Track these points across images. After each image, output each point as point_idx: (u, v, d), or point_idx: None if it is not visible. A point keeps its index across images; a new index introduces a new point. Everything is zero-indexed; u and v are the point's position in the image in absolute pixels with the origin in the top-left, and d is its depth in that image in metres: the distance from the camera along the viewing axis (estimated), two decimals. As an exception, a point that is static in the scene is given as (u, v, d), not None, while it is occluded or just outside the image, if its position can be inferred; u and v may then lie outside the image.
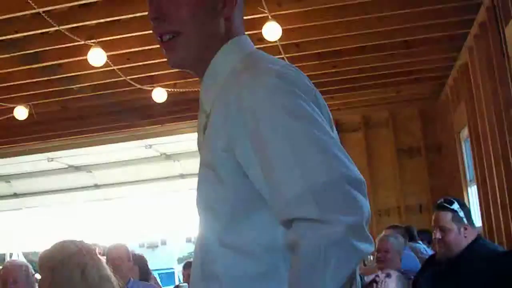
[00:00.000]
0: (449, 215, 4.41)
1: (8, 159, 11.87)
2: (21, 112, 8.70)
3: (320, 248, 1.41)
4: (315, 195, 1.44)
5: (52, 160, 12.98)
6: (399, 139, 10.46)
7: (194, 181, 1.79)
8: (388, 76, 8.88)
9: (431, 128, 10.40)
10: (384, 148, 10.48)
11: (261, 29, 6.13)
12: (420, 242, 8.09)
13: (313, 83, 1.71)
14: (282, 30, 6.32)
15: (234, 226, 1.64)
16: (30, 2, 5.67)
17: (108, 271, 3.14)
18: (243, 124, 1.57)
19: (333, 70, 8.38)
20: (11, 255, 19.55)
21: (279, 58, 1.91)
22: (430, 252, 7.05)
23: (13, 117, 8.76)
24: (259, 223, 1.62)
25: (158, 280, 9.54)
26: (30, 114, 8.79)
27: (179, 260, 32.50)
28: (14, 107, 8.64)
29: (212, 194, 1.69)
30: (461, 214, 4.43)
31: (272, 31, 6.24)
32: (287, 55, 7.28)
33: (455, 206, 4.45)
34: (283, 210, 1.49)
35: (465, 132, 8.64)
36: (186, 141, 11.17)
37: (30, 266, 5.14)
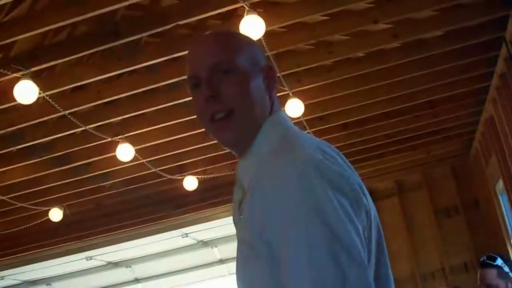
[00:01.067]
0: (494, 271, 4.34)
1: (46, 262, 11.89)
2: (56, 214, 8.77)
3: None
4: None
5: (90, 259, 12.98)
6: (435, 200, 10.34)
7: (234, 265, 1.78)
8: (416, 138, 8.85)
9: (466, 185, 10.28)
10: (421, 211, 10.35)
11: (283, 107, 6.18)
12: (470, 302, 7.92)
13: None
14: (305, 105, 6.37)
15: None
16: (56, 105, 5.78)
17: None
18: (271, 212, 1.56)
19: (360, 139, 8.38)
20: None
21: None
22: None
23: (49, 219, 8.83)
24: None
25: None
26: (64, 215, 8.86)
27: None
28: (49, 210, 8.72)
29: (250, 271, 1.67)
30: (506, 269, 4.36)
31: (294, 107, 6.28)
32: (312, 130, 7.31)
33: (499, 261, 4.39)
34: None
35: (500, 185, 8.53)
36: (222, 226, 11.13)
37: None
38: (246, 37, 1.96)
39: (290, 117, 6.38)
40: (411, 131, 8.46)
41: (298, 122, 6.90)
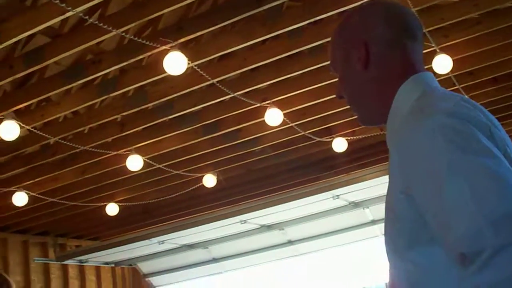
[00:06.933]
0: None
1: (203, 226, 12.24)
2: (209, 180, 9.03)
3: None
4: (494, 226, 1.36)
5: (244, 222, 13.24)
6: None
7: (387, 225, 1.79)
8: None
9: None
10: None
11: (430, 63, 6.04)
12: None
13: (491, 109, 1.66)
14: (453, 60, 6.19)
15: None
16: (204, 74, 5.92)
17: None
18: (418, 165, 1.55)
19: (512, 93, 8.07)
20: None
21: (453, 89, 1.88)
22: None
23: (203, 185, 9.10)
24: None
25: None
26: (218, 181, 9.09)
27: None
28: (203, 176, 8.98)
29: (395, 235, 1.69)
30: None
31: (442, 63, 6.12)
32: (461, 85, 7.08)
33: None
34: (459, 245, 1.41)
35: None
36: (373, 186, 11.00)
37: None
38: (350, 18, 1.93)
39: (438, 74, 6.14)
40: None
41: (446, 79, 6.71)
